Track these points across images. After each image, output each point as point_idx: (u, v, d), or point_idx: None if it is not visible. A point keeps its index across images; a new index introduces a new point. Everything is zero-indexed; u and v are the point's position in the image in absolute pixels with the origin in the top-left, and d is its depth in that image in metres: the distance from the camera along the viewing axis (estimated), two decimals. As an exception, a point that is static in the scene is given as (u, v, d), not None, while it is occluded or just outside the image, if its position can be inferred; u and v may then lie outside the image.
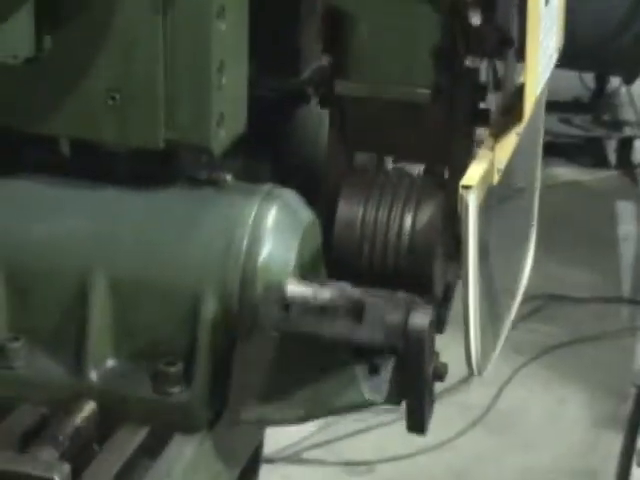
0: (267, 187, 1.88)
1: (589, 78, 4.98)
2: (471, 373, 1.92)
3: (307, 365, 1.72)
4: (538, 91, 2.05)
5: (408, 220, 1.93)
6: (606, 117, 4.64)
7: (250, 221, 1.83)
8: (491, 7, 1.93)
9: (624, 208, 4.66)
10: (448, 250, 1.96)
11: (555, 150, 3.71)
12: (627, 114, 4.51)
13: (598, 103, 4.66)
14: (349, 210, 1.95)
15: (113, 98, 1.84)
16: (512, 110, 1.97)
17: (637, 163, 4.27)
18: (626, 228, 4.61)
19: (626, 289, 4.46)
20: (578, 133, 4.61)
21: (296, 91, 2.11)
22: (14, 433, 1.82)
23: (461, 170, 1.85)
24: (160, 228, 1.87)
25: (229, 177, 1.87)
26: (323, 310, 1.68)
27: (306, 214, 1.90)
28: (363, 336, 1.65)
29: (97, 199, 1.90)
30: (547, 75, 2.14)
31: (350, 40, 1.99)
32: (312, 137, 2.14)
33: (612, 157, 4.95)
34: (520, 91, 1.94)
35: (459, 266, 1.88)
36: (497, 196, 2.03)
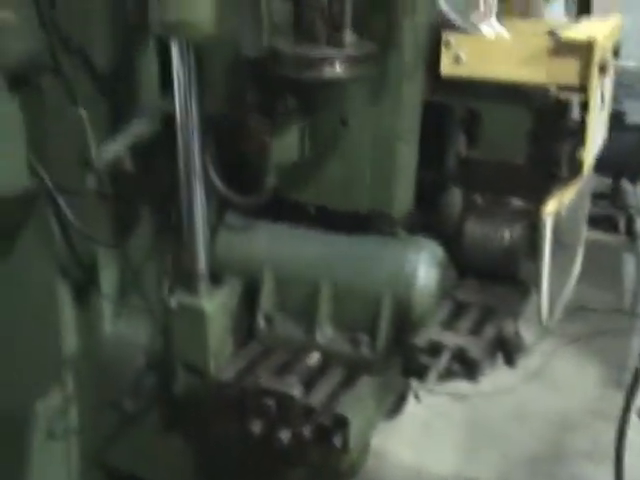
0: (422, 238, 2.06)
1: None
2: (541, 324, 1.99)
3: None
4: (591, 159, 2.06)
5: (507, 235, 2.01)
6: (619, 203, 4.84)
7: (411, 258, 2.00)
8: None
9: (627, 257, 4.87)
10: (528, 255, 2.00)
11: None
12: (632, 201, 4.71)
13: (614, 194, 4.86)
14: (473, 231, 2.03)
15: (345, 184, 2.03)
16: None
17: (638, 231, 4.47)
18: (628, 268, 4.80)
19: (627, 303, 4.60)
20: (601, 211, 4.84)
21: (442, 180, 2.11)
22: (272, 367, 2.03)
23: (539, 204, 1.94)
24: (361, 258, 2.04)
25: (402, 232, 2.06)
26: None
27: (442, 255, 2.05)
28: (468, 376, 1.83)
29: (327, 238, 2.09)
30: (597, 151, 2.12)
31: (480, 130, 2.02)
32: (453, 214, 2.10)
33: (622, 227, 5.20)
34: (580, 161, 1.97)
35: (535, 263, 1.95)
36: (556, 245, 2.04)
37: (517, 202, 2.06)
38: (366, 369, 2.01)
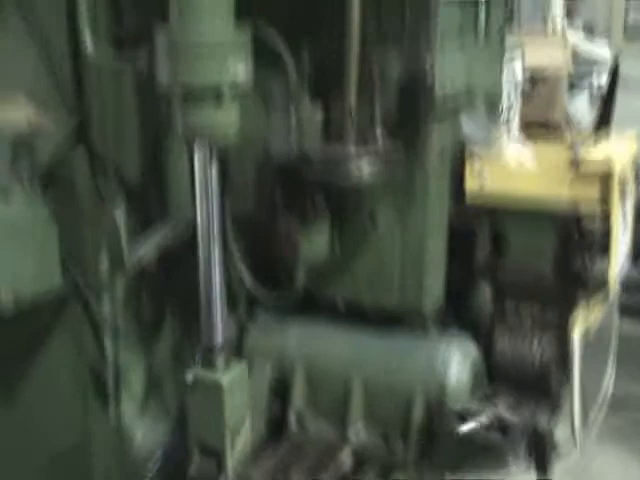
0: (453, 333, 2.07)
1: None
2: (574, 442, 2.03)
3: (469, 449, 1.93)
4: (616, 274, 2.08)
5: (538, 353, 2.04)
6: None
7: (443, 355, 2.01)
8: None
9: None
10: (560, 365, 2.03)
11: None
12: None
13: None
14: (504, 347, 2.07)
15: (374, 281, 2.04)
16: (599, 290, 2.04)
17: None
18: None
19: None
20: (635, 302, 4.79)
21: (472, 277, 2.11)
22: (304, 467, 2.02)
23: (568, 315, 1.98)
24: (392, 356, 2.05)
25: (433, 327, 2.07)
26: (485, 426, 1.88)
27: (474, 351, 2.07)
28: (507, 447, 1.87)
29: (358, 336, 2.10)
30: (620, 269, 2.14)
31: (506, 255, 2.06)
32: (484, 310, 2.11)
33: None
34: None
35: (565, 375, 1.99)
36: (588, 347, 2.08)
37: (546, 310, 2.07)
38: (399, 467, 2.02)
